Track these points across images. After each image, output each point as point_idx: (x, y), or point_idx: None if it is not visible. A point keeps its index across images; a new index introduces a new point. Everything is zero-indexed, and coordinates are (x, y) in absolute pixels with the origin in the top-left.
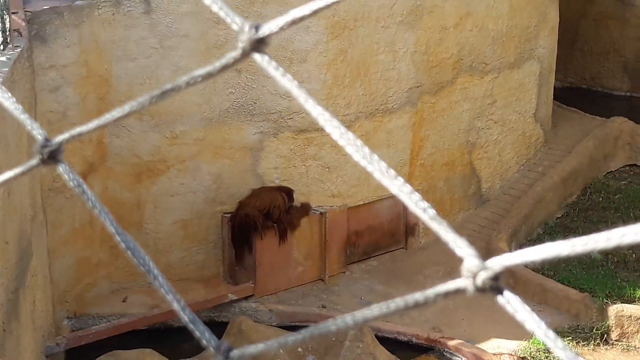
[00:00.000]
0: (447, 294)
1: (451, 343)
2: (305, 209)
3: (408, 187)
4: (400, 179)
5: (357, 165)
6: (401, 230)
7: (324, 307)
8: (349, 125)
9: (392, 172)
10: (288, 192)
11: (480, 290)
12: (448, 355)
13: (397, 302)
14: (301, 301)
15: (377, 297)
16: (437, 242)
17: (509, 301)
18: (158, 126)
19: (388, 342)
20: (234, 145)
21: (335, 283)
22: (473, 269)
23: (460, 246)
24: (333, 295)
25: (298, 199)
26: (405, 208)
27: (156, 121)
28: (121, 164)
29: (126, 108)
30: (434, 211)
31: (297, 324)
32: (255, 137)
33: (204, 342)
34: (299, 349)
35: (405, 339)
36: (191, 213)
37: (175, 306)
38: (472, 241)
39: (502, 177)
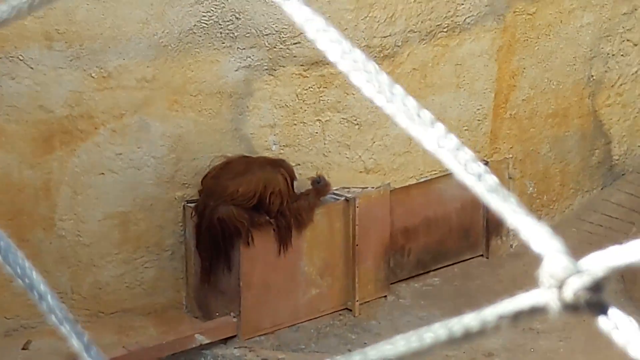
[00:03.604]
0: (516, 316)
1: None
2: (321, 192)
3: (452, 140)
4: (440, 127)
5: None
6: (480, 226)
7: None
8: (393, 52)
9: (427, 115)
10: (289, 169)
11: (571, 307)
12: None
13: (435, 331)
14: (315, 345)
15: None
16: None
17: (618, 325)
18: (79, 59)
19: None
20: (203, 88)
21: (371, 315)
22: (558, 272)
23: (537, 236)
24: (368, 335)
25: (306, 175)
26: None
27: (76, 50)
28: (19, 123)
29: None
30: (495, 179)
31: None
32: (238, 76)
33: None
34: None
35: None
36: (134, 202)
37: (74, 343)
38: (599, 241)
39: None
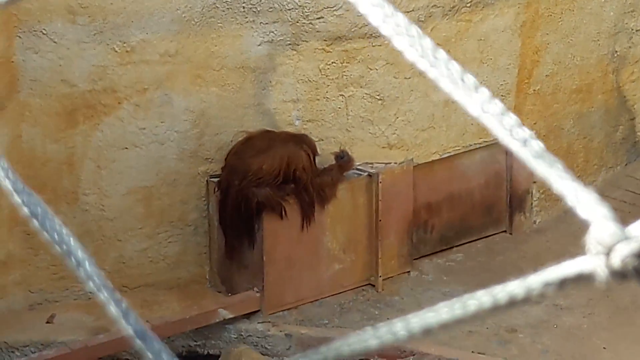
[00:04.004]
0: (562, 283)
1: None
2: (344, 168)
3: (498, 105)
4: (485, 92)
5: (429, 95)
6: (503, 201)
7: None
8: None
9: (471, 79)
10: (312, 144)
11: (619, 275)
12: None
13: (479, 298)
14: (338, 320)
15: None
16: (562, 220)
17: None
18: (102, 33)
19: None
20: (226, 63)
21: (394, 290)
22: (606, 239)
23: (584, 202)
24: (390, 311)
25: (329, 150)
26: (509, 165)
27: (99, 25)
28: (43, 97)
29: None
30: (541, 145)
31: None
32: (261, 50)
33: None
34: None
35: None
36: (157, 177)
37: (113, 310)
38: (622, 217)
39: None
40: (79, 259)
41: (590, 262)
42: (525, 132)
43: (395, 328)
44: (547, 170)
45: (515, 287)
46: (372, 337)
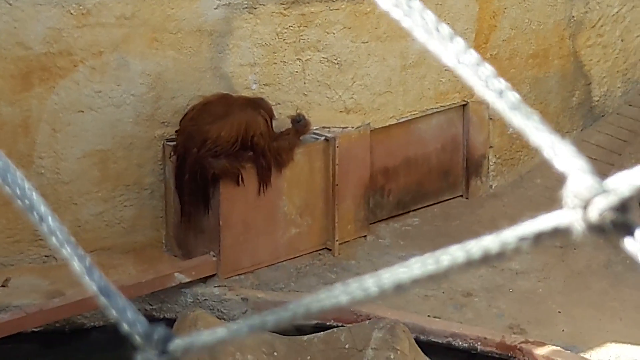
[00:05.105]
0: (538, 238)
1: (540, 351)
2: (301, 131)
3: (473, 55)
4: (460, 41)
5: (386, 59)
6: (459, 166)
7: None
8: None
9: (446, 29)
10: (268, 108)
11: (596, 228)
12: None
13: (453, 253)
14: (295, 284)
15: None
16: (518, 184)
17: None
18: None
19: (438, 350)
20: (182, 26)
21: (350, 255)
22: (583, 192)
23: (561, 154)
24: (347, 275)
25: (286, 114)
26: (466, 130)
27: None
28: None
29: None
30: (517, 96)
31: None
32: (218, 14)
33: (126, 326)
34: None
35: (466, 344)
36: (113, 140)
37: (76, 266)
38: None
39: (626, 77)
40: (42, 214)
41: (566, 216)
42: (502, 83)
43: (367, 284)
44: (524, 122)
45: (489, 242)
46: (342, 293)
